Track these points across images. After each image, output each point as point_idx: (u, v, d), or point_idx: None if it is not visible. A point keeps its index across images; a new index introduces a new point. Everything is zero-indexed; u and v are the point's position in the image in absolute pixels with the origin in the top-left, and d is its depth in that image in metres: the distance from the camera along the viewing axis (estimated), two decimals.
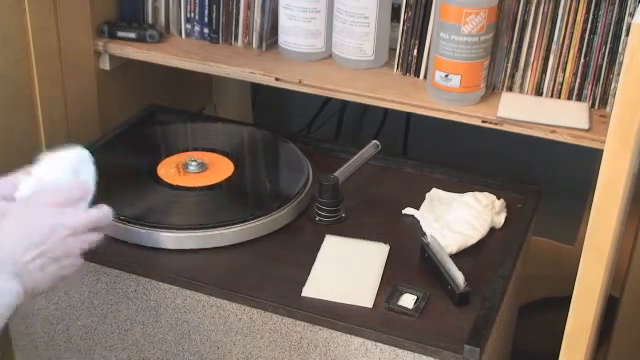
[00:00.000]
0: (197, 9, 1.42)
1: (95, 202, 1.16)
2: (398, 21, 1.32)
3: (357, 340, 1.00)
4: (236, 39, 1.42)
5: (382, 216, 1.21)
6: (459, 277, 1.03)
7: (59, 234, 0.86)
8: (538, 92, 1.26)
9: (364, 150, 1.28)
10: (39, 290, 0.85)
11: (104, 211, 0.93)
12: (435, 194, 1.24)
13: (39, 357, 1.21)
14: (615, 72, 1.20)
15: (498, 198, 1.21)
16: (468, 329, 0.98)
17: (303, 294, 1.05)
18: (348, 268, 1.10)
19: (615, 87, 1.20)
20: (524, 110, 1.22)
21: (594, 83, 1.22)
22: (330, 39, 1.37)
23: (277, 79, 1.34)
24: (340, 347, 1.01)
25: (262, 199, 1.24)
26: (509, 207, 1.21)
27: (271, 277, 1.08)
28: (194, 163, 1.23)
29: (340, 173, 1.21)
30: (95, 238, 0.91)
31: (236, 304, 1.05)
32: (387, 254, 1.12)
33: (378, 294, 1.05)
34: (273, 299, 1.03)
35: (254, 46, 1.41)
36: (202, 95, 1.76)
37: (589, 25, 1.20)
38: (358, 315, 1.01)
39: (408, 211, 1.21)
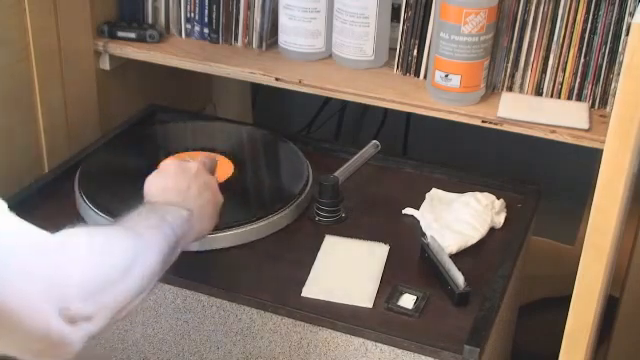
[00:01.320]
0: (197, 9, 1.42)
1: (96, 202, 1.16)
2: (398, 21, 1.32)
3: (357, 340, 1.00)
4: (236, 39, 1.42)
5: (382, 216, 1.21)
6: (459, 277, 1.03)
7: (189, 173, 1.02)
8: (538, 92, 1.26)
9: (364, 150, 1.28)
10: (206, 217, 1.01)
11: (209, 156, 1.13)
12: (435, 194, 1.24)
13: None
14: (615, 72, 1.20)
15: (498, 198, 1.21)
16: (468, 329, 0.98)
17: (303, 294, 1.04)
18: (348, 268, 1.10)
19: (615, 87, 1.20)
20: (524, 110, 1.22)
21: (594, 83, 1.22)
22: (330, 39, 1.37)
23: (277, 79, 1.34)
24: (340, 347, 1.01)
25: (262, 200, 1.24)
26: (509, 207, 1.21)
27: (271, 277, 1.08)
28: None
29: (340, 173, 1.21)
30: (213, 177, 1.07)
31: (236, 304, 1.05)
32: (387, 254, 1.12)
33: (378, 294, 1.05)
34: (273, 299, 1.03)
35: (254, 46, 1.41)
36: (202, 95, 1.76)
37: (589, 25, 1.20)
38: (358, 315, 1.01)
39: (408, 211, 1.21)
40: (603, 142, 0.74)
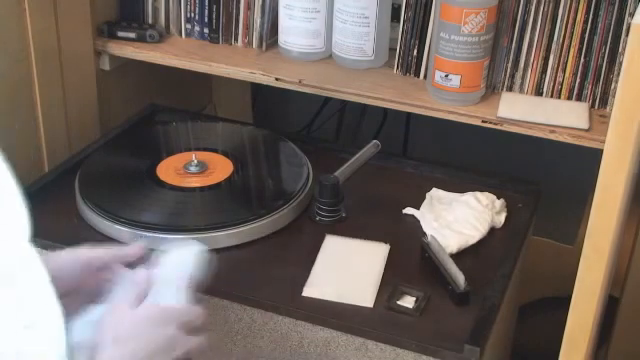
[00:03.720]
0: (197, 9, 1.42)
1: (96, 202, 1.16)
2: (398, 21, 1.32)
3: (358, 340, 1.00)
4: (236, 39, 1.42)
5: (382, 216, 1.21)
6: (459, 277, 1.03)
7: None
8: (538, 92, 1.26)
9: (364, 150, 1.28)
10: None
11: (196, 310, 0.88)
12: (435, 194, 1.24)
13: None
14: (615, 72, 1.20)
15: (498, 198, 1.21)
16: (468, 329, 0.98)
17: (303, 294, 1.05)
18: (348, 268, 1.10)
19: (615, 87, 1.20)
20: (524, 110, 1.22)
21: (594, 83, 1.22)
22: (330, 39, 1.37)
23: (277, 79, 1.34)
24: (340, 347, 1.01)
25: (262, 199, 1.24)
26: (509, 207, 1.21)
27: (271, 277, 1.08)
28: (194, 163, 1.23)
29: (340, 173, 1.21)
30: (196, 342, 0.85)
31: (237, 304, 1.05)
32: (387, 254, 1.12)
33: (378, 294, 1.05)
34: (273, 299, 1.03)
35: (254, 46, 1.41)
36: (202, 95, 1.76)
37: (589, 25, 1.20)
38: (358, 315, 1.02)
39: (408, 211, 1.21)
40: (603, 142, 0.74)
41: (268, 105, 1.86)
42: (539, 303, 1.58)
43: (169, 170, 1.24)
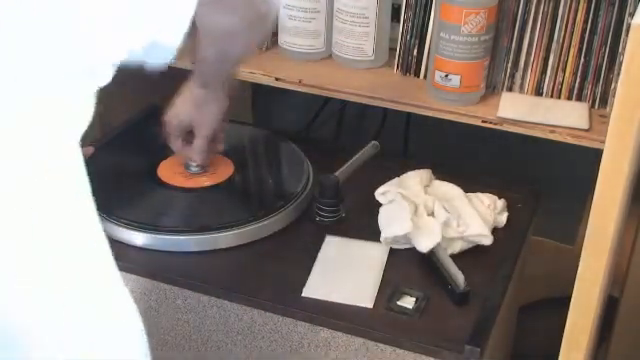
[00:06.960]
0: None
1: (96, 202, 1.16)
2: (398, 21, 1.32)
3: (358, 340, 1.00)
4: None
5: None
6: (459, 277, 1.03)
7: None
8: (538, 92, 1.26)
9: (364, 150, 1.28)
10: None
11: None
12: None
13: None
14: (615, 72, 1.20)
15: (499, 198, 1.21)
16: (468, 329, 0.98)
17: (303, 294, 1.05)
18: (348, 268, 1.10)
19: (615, 87, 1.20)
20: (524, 110, 1.22)
21: (594, 83, 1.22)
22: (330, 39, 1.37)
23: (277, 79, 1.34)
24: (341, 347, 1.01)
25: (262, 200, 1.24)
26: (509, 207, 1.21)
27: (271, 277, 1.08)
28: (195, 164, 1.23)
29: (340, 173, 1.21)
30: None
31: (237, 304, 1.05)
32: (387, 254, 1.12)
33: (378, 294, 1.05)
34: (273, 299, 1.03)
35: None
36: None
37: (589, 25, 1.20)
38: (358, 315, 1.02)
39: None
40: (603, 142, 0.74)
41: (268, 105, 1.86)
42: (539, 303, 1.58)
43: (170, 170, 1.24)
